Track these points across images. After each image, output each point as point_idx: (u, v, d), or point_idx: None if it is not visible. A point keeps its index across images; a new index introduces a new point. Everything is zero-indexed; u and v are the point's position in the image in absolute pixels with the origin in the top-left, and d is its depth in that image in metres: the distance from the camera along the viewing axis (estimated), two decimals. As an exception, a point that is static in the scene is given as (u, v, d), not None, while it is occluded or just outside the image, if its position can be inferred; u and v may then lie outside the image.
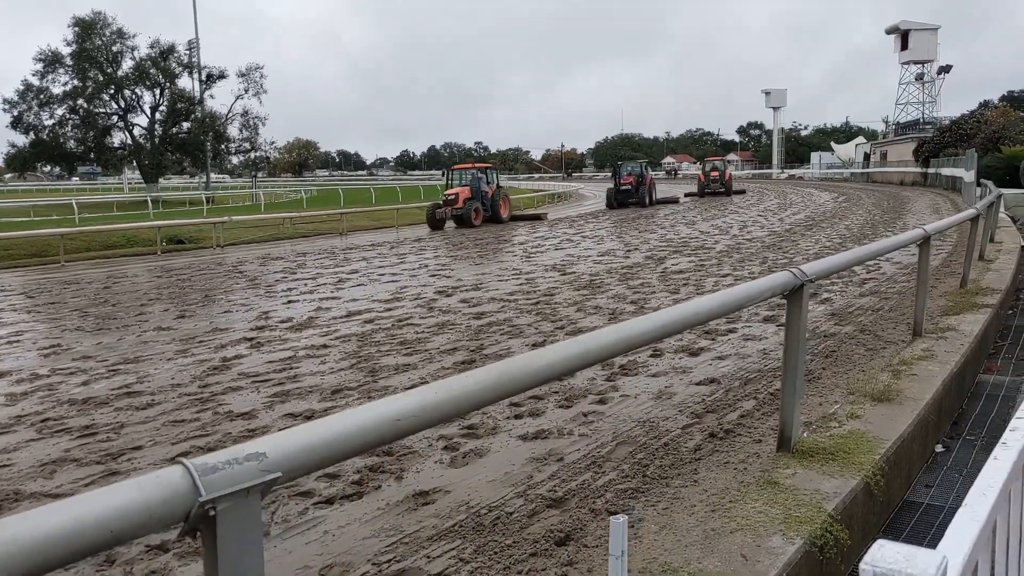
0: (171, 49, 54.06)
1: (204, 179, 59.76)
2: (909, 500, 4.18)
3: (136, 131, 55.71)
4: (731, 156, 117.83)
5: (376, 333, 8.41)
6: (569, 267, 13.56)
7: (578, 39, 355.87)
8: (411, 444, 4.66)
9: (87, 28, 51.33)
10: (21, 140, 53.82)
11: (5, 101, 51.91)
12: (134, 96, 54.69)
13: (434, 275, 13.49)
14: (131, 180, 77.58)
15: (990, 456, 1.61)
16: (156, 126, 55.33)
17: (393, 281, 12.79)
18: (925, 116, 64.01)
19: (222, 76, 55.10)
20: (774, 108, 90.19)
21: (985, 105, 52.11)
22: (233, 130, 57.40)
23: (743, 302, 3.48)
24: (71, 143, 54.98)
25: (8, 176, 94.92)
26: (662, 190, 48.68)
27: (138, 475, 1.45)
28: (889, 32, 66.81)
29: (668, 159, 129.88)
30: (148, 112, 55.34)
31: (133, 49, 53.72)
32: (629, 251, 15.85)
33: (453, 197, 26.14)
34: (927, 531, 3.79)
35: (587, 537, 3.24)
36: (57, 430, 5.63)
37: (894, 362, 5.57)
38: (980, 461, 4.75)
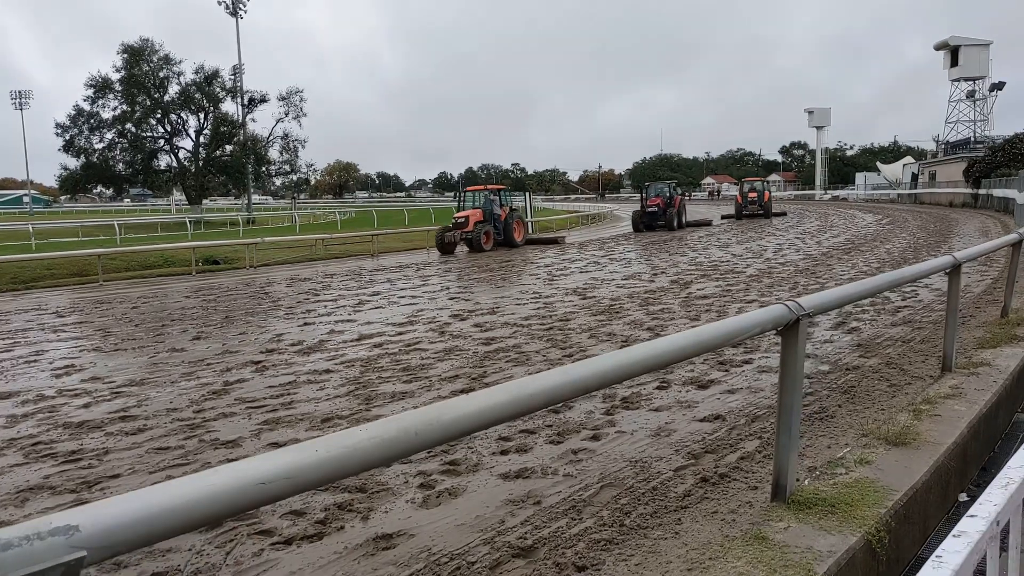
0: (215, 74, 55.52)
1: (247, 201, 61.04)
2: (923, 556, 3.77)
3: (181, 154, 57.29)
4: (773, 176, 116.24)
5: (382, 358, 8.21)
6: (591, 291, 13.23)
7: (618, 59, 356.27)
8: (386, 480, 4.41)
9: (135, 55, 53.03)
10: (73, 163, 55.71)
11: (58, 125, 53.91)
12: (180, 120, 56.30)
13: (453, 298, 13.30)
14: (178, 202, 79.59)
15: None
16: (200, 149, 56.71)
17: (412, 304, 12.63)
18: (976, 135, 62.09)
19: (263, 100, 56.36)
20: (817, 127, 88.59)
21: (1039, 124, 50.35)
22: (274, 153, 58.61)
23: (726, 339, 3.16)
24: (120, 166, 56.70)
25: (64, 198, 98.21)
26: (701, 212, 48.02)
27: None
28: (938, 48, 65.18)
29: (708, 179, 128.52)
30: (193, 135, 56.88)
31: (179, 75, 55.39)
32: (655, 274, 15.46)
33: (463, 220, 25.02)
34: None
35: (548, 596, 2.94)
36: (44, 455, 5.53)
37: (917, 400, 5.15)
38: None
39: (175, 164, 57.78)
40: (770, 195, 43.21)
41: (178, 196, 77.54)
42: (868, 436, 4.48)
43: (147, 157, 56.23)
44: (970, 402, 5.07)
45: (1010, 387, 5.71)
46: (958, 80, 63.75)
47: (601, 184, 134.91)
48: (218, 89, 56.25)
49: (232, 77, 55.78)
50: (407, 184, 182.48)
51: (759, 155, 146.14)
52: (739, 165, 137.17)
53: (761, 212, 40.71)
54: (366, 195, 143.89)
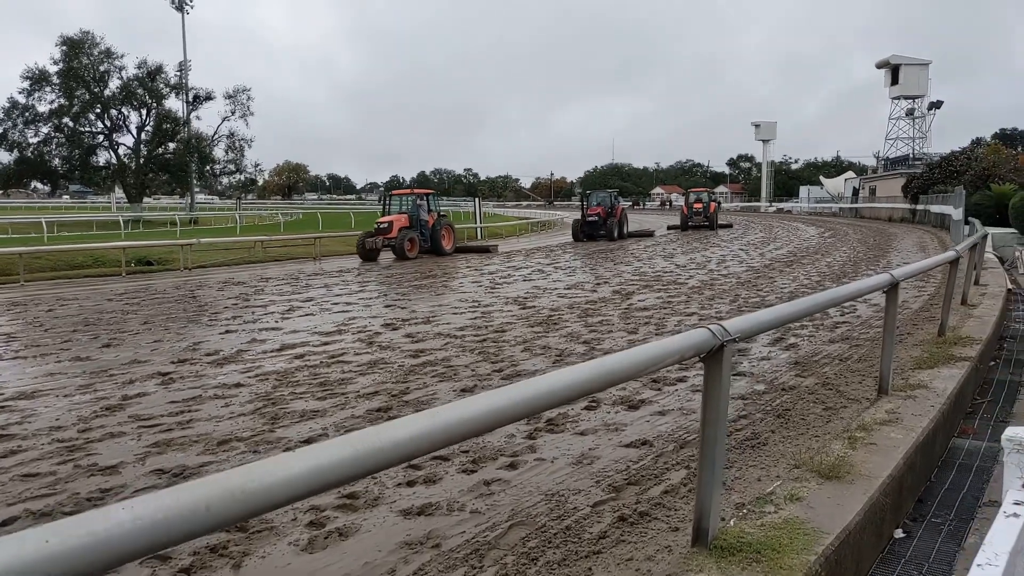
0: (159, 70, 53.64)
1: (190, 200, 59.18)
2: (856, 604, 3.46)
3: (121, 151, 55.12)
4: (721, 188, 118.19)
5: (300, 371, 7.68)
6: (531, 300, 12.86)
7: (571, 68, 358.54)
8: (271, 518, 3.92)
9: (75, 47, 50.86)
10: (7, 157, 53.22)
11: (-10, 118, 51.34)
12: (120, 116, 54.15)
13: (390, 305, 12.78)
14: (119, 200, 76.93)
15: None
16: (141, 146, 54.73)
17: (344, 311, 12.07)
18: (915, 152, 63.84)
19: (209, 97, 54.68)
20: (763, 141, 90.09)
21: (977, 142, 51.97)
22: (219, 152, 56.91)
23: (639, 370, 2.77)
24: (56, 161, 54.32)
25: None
26: (650, 222, 48.22)
27: None
28: (880, 66, 66.80)
29: (658, 189, 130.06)
30: (134, 132, 54.81)
31: (121, 69, 53.28)
32: (598, 284, 15.18)
33: (386, 226, 23.52)
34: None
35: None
36: None
37: (852, 427, 4.87)
38: (944, 552, 4.03)
39: (114, 161, 55.63)
40: (716, 206, 43.32)
41: (119, 194, 74.95)
42: (801, 467, 4.17)
43: (85, 153, 53.92)
44: (907, 428, 4.82)
45: (947, 411, 5.50)
46: (898, 98, 65.46)
47: (553, 191, 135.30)
48: (162, 85, 54.36)
49: (178, 73, 54.08)
50: (358, 187, 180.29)
51: (707, 167, 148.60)
52: (688, 176, 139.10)
53: (707, 223, 40.64)
54: (315, 197, 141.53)
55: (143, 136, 54.83)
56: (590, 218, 32.23)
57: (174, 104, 56.39)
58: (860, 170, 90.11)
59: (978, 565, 1.96)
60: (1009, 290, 12.52)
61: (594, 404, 5.99)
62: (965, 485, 4.82)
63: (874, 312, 10.59)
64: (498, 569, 3.23)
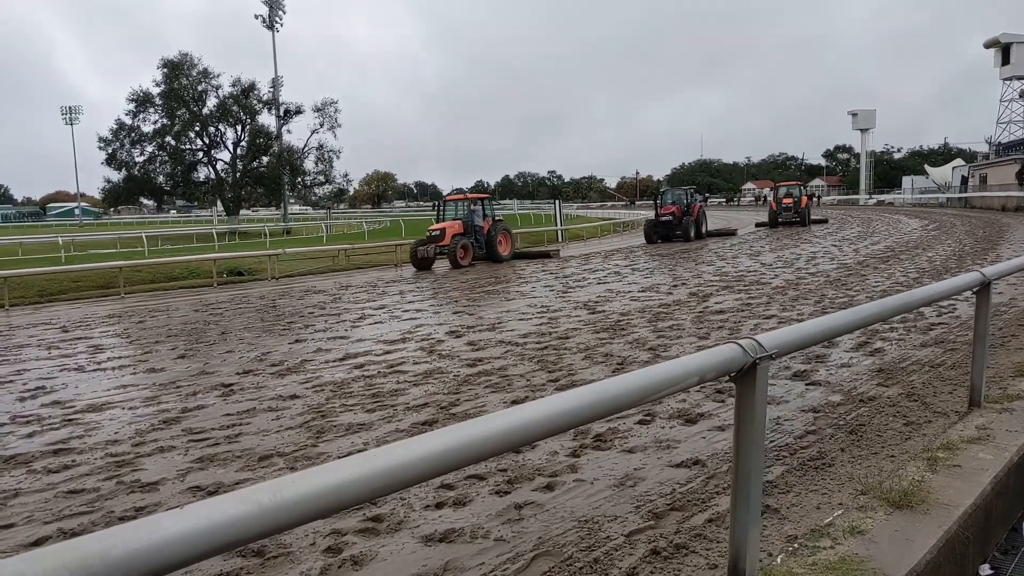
0: (252, 87, 56.02)
1: (284, 211, 61.50)
2: (928, 658, 2.99)
3: (219, 166, 57.87)
4: (816, 181, 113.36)
5: (356, 381, 7.62)
6: (602, 304, 12.47)
7: (658, 62, 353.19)
8: (290, 542, 3.78)
9: (175, 69, 53.78)
10: (116, 176, 56.77)
11: (101, 139, 54.95)
12: (217, 132, 56.86)
13: (458, 312, 12.68)
14: (220, 213, 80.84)
15: None
16: (237, 161, 57.26)
17: (413, 319, 12.04)
18: (1030, 136, 59.40)
19: (299, 111, 56.64)
20: (862, 130, 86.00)
21: (1099, 123, 47.77)
22: (309, 164, 58.85)
23: (646, 394, 2.43)
24: (160, 178, 57.58)
25: (111, 210, 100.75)
26: (739, 219, 46.64)
27: None
28: (988, 46, 62.45)
29: (749, 185, 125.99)
30: (230, 147, 57.44)
31: (217, 88, 55.97)
32: (675, 286, 14.61)
33: (438, 233, 22.97)
34: None
35: None
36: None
37: (934, 446, 4.33)
38: (1041, 596, 3.49)
39: (213, 176, 58.47)
40: (808, 200, 40.34)
41: (220, 208, 78.75)
42: (868, 494, 3.70)
43: (186, 169, 56.97)
44: (998, 448, 4.24)
45: (1052, 426, 4.84)
46: (1010, 79, 61.07)
47: (639, 190, 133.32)
48: (254, 101, 56.78)
49: (270, 89, 56.33)
50: (444, 193, 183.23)
51: (802, 159, 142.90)
52: (781, 170, 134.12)
53: (797, 219, 37.74)
54: (403, 204, 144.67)
55: (239, 151, 57.40)
56: (663, 218, 30.09)
57: (267, 119, 58.82)
58: (970, 157, 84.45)
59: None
60: None
61: (648, 418, 5.61)
62: (1072, 514, 4.20)
63: (975, 311, 9.67)
64: (510, 609, 2.96)
